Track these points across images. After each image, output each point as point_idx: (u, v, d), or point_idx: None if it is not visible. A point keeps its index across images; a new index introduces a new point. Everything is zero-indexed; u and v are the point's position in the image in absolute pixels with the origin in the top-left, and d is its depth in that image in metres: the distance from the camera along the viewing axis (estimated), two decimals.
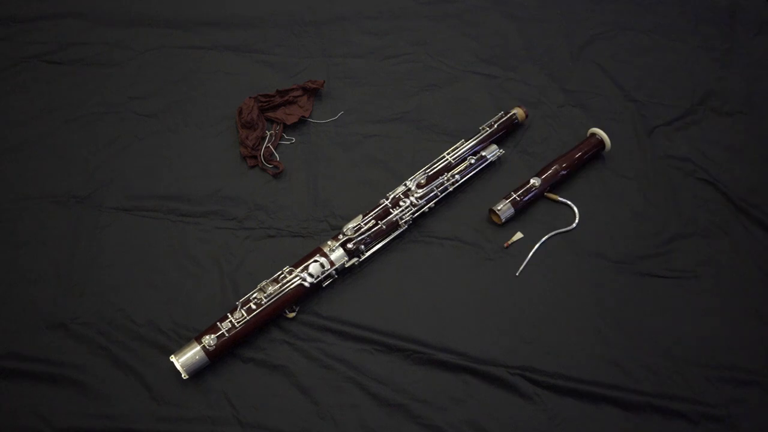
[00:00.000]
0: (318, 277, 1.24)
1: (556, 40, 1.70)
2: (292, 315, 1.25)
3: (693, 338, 1.25)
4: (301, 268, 1.25)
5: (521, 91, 1.58)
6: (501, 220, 1.36)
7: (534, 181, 1.39)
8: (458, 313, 1.27)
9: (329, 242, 1.28)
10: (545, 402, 1.18)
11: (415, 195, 1.34)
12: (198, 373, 1.18)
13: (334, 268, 1.26)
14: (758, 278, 1.33)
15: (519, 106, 1.50)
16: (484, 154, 1.43)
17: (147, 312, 1.26)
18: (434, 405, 1.17)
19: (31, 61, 1.59)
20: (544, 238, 1.36)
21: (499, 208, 1.36)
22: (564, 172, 1.41)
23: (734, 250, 1.36)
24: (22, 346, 1.22)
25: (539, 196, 1.41)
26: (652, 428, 1.16)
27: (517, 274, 1.32)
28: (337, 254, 1.26)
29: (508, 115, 1.48)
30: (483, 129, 1.46)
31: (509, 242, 1.36)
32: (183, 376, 1.17)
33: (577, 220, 1.38)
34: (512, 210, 1.36)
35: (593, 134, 1.46)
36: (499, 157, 1.45)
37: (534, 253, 1.34)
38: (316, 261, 1.25)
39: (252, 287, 1.26)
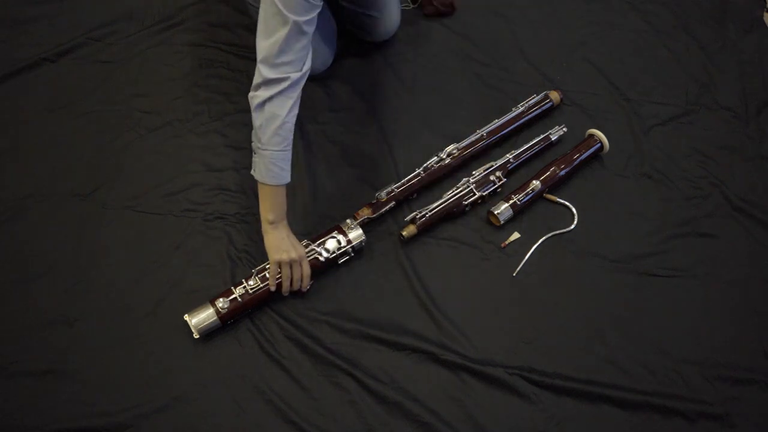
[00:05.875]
0: (333, 253, 1.27)
1: (549, 39, 1.71)
2: (305, 288, 1.26)
3: (691, 337, 1.26)
4: (318, 242, 1.27)
5: (516, 91, 1.59)
6: (500, 222, 1.37)
7: (533, 184, 1.40)
8: (457, 312, 1.27)
9: (348, 221, 1.30)
10: (543, 402, 1.18)
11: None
12: (208, 334, 1.22)
13: (350, 245, 1.28)
14: (755, 277, 1.33)
15: (555, 90, 1.54)
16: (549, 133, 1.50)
17: (151, 307, 1.26)
18: (433, 403, 1.17)
19: (32, 61, 1.59)
20: (541, 239, 1.37)
21: (497, 211, 1.36)
22: (562, 173, 1.42)
23: (731, 248, 1.37)
24: (24, 343, 1.22)
25: (538, 197, 1.41)
26: (651, 427, 1.16)
27: (514, 274, 1.32)
28: (355, 233, 1.29)
29: (541, 96, 1.53)
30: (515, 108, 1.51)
31: (506, 242, 1.36)
32: (195, 335, 1.20)
33: (575, 222, 1.39)
34: (511, 212, 1.37)
35: (591, 135, 1.47)
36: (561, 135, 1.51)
37: (532, 253, 1.35)
38: (333, 237, 1.27)
39: None
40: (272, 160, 1.17)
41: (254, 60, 1.62)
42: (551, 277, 1.33)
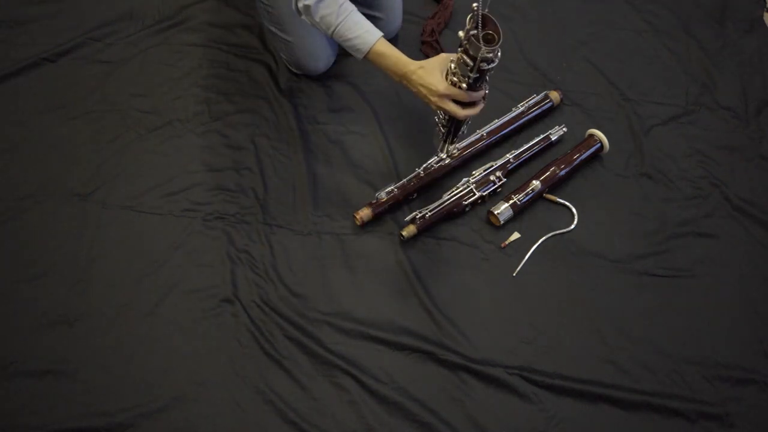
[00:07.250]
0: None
1: (549, 39, 1.71)
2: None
3: (691, 337, 1.26)
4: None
5: (516, 91, 1.59)
6: (499, 222, 1.37)
7: (533, 184, 1.40)
8: (457, 312, 1.27)
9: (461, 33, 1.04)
10: (543, 402, 1.18)
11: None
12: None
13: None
14: (755, 277, 1.34)
15: (555, 90, 1.55)
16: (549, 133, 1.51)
17: (151, 307, 1.26)
18: (432, 404, 1.17)
19: (32, 61, 1.59)
20: (541, 239, 1.37)
21: (497, 211, 1.36)
22: (562, 173, 1.42)
23: (731, 248, 1.37)
24: (23, 344, 1.21)
25: (538, 197, 1.41)
26: (651, 427, 1.16)
27: (514, 274, 1.32)
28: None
29: (541, 95, 1.55)
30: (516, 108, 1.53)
31: (506, 242, 1.36)
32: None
33: (575, 222, 1.39)
34: (511, 212, 1.37)
35: (591, 135, 1.47)
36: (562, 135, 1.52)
37: (532, 253, 1.35)
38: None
39: (253, 280, 1.28)
40: (348, 31, 1.19)
41: (254, 60, 1.64)
42: (551, 277, 1.33)
